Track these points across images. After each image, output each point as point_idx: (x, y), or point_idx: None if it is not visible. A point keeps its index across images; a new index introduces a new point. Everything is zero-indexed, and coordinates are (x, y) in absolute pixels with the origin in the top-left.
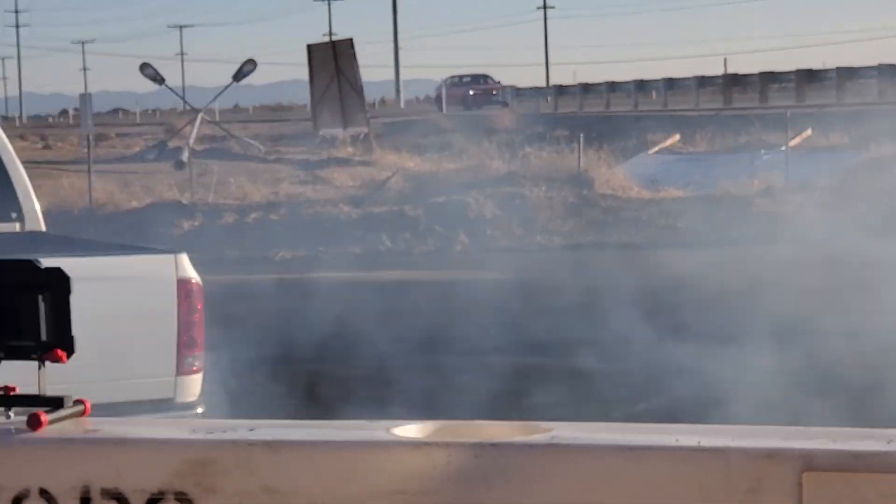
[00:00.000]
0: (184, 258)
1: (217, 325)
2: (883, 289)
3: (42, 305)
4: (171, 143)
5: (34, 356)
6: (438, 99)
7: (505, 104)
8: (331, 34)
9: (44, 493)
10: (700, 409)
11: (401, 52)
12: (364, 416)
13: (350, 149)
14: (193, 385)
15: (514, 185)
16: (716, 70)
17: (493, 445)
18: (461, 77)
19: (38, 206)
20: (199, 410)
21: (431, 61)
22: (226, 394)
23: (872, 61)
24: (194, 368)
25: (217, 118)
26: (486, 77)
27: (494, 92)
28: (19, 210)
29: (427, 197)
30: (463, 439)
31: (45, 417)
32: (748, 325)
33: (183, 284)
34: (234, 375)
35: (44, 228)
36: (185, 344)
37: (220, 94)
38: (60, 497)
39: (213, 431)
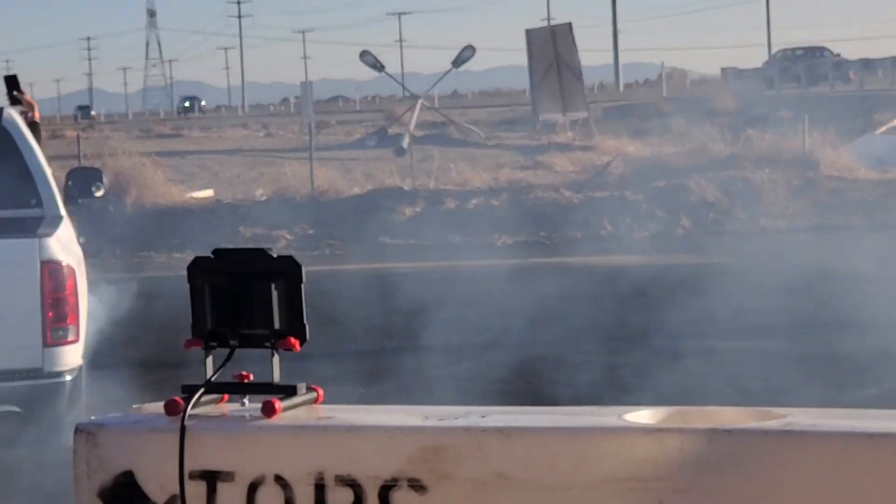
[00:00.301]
0: (50, 241)
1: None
2: None
3: (275, 294)
4: (391, 130)
5: (267, 344)
6: (766, 76)
7: (847, 79)
8: (549, 18)
9: (279, 479)
10: None
11: (620, 36)
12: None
13: (570, 134)
14: (64, 356)
15: (736, 168)
16: None
17: (727, 431)
18: (793, 50)
19: (56, 192)
20: (68, 378)
21: (651, 44)
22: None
23: None
24: (66, 340)
25: (436, 104)
26: (822, 49)
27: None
28: (38, 196)
29: (647, 181)
30: (696, 425)
31: (279, 405)
32: None
33: (46, 265)
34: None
35: (63, 214)
36: (52, 319)
37: (439, 80)
38: (295, 483)
39: (445, 418)
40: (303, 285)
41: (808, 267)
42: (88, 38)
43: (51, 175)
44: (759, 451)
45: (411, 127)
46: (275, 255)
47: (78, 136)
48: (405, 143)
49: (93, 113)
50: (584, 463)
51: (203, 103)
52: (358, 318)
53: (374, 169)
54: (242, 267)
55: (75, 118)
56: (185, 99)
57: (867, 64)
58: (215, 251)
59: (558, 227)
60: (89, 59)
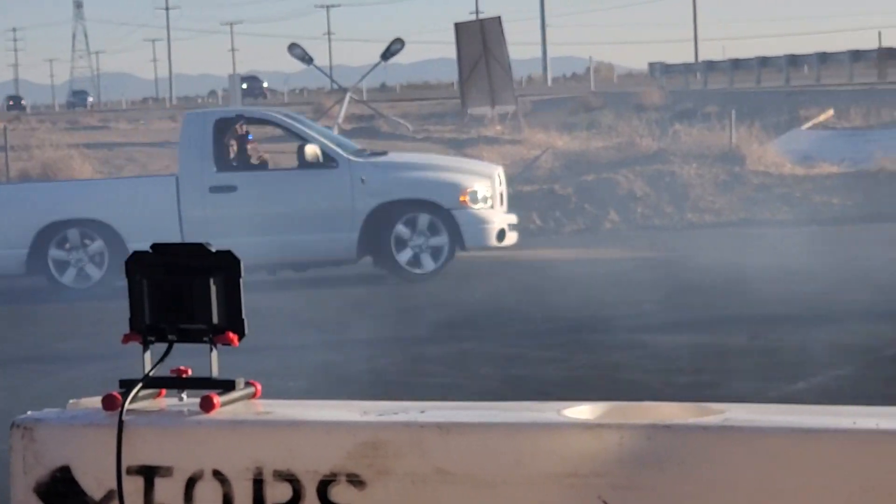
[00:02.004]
0: None
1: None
2: None
3: (213, 288)
4: (320, 123)
5: (206, 339)
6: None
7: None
8: (477, 12)
9: (217, 474)
10: (861, 388)
11: (548, 30)
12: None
13: (498, 127)
14: None
15: (663, 163)
16: (870, 44)
17: (666, 427)
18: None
19: None
20: None
21: (579, 38)
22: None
23: None
24: None
25: (365, 97)
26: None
27: None
28: None
29: (576, 175)
30: (635, 421)
31: (217, 400)
32: None
33: None
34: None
35: None
36: None
37: (367, 73)
38: (233, 478)
39: (385, 413)
40: (241, 280)
41: (735, 261)
42: (14, 29)
43: None
44: (697, 446)
45: (340, 120)
46: (213, 250)
47: (4, 128)
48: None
49: (24, 102)
50: (524, 458)
51: (90, 99)
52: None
53: None
54: (181, 261)
55: (7, 108)
56: (75, 93)
57: (792, 60)
58: (154, 245)
59: None
60: (15, 51)
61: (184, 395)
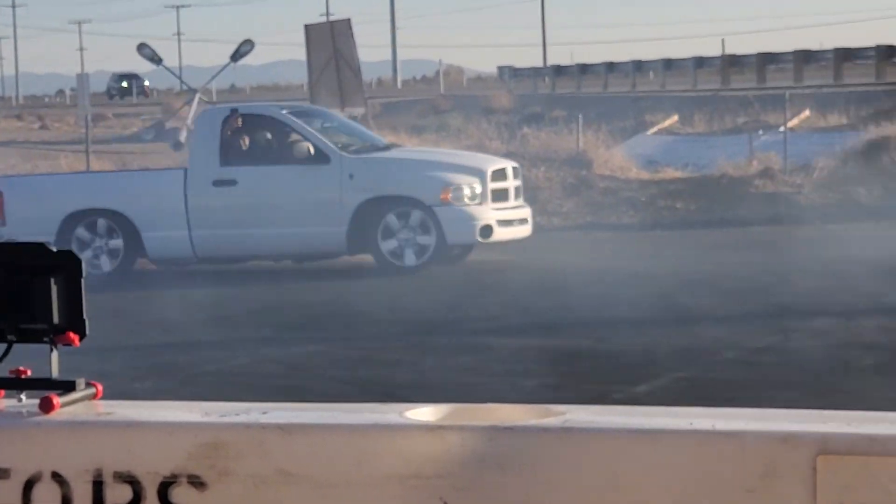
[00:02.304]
0: None
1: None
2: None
3: (54, 288)
4: (169, 124)
5: (46, 339)
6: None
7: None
8: (328, 14)
9: (56, 476)
10: (701, 390)
11: (398, 33)
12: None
13: None
14: None
15: None
16: (714, 51)
17: (507, 428)
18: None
19: None
20: None
21: (429, 41)
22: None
23: (870, 42)
24: None
25: (214, 98)
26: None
27: None
28: None
29: None
30: (476, 422)
31: (57, 400)
32: (741, 305)
33: None
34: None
35: None
36: None
37: (217, 74)
38: (73, 480)
39: (227, 415)
40: (83, 279)
41: (581, 265)
42: None
43: None
44: (538, 447)
45: (189, 121)
46: (54, 250)
47: None
48: (182, 136)
49: None
50: (366, 460)
51: None
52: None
53: (151, 163)
54: (21, 260)
55: None
56: None
57: (639, 66)
58: None
59: None
60: None
61: (23, 396)
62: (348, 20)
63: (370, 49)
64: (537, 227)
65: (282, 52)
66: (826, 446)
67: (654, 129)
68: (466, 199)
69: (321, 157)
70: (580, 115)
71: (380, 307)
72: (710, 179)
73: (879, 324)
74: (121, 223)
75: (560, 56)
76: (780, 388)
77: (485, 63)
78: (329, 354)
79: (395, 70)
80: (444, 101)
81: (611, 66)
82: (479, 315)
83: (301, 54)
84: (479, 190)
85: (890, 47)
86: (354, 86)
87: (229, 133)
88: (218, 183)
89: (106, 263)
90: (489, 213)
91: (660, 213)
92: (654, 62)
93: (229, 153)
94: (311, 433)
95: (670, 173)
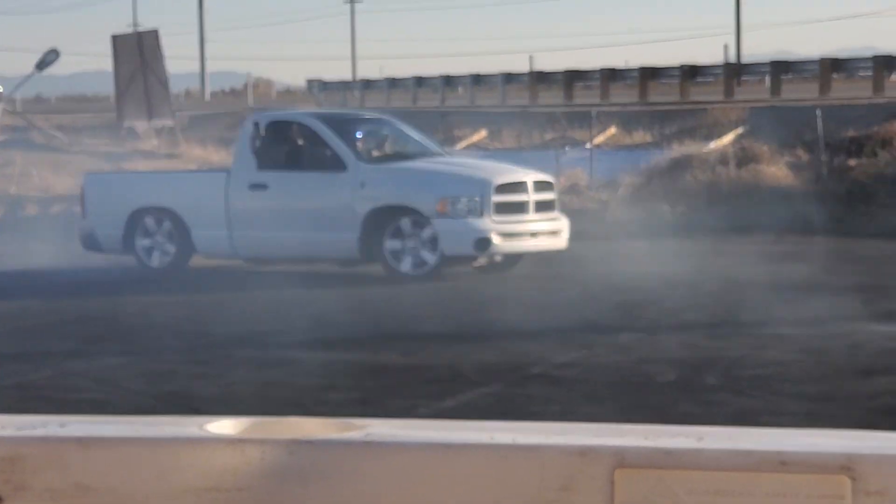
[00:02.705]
0: None
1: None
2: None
3: None
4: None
5: None
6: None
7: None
8: (135, 24)
9: None
10: (506, 405)
11: (206, 45)
12: None
13: (155, 141)
14: None
15: None
16: (522, 67)
17: (308, 442)
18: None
19: None
20: None
21: (238, 53)
22: None
23: (674, 61)
24: None
25: (19, 108)
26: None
27: None
28: None
29: None
30: (277, 436)
31: None
32: (547, 321)
33: None
34: None
35: None
36: None
37: (21, 83)
38: None
39: (23, 428)
40: None
41: (391, 280)
42: None
43: None
44: (340, 461)
45: None
46: None
47: None
48: None
49: None
50: (165, 473)
51: None
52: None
53: None
54: None
55: None
56: None
57: (448, 81)
58: None
59: None
60: None
61: None
62: (156, 31)
63: (179, 61)
64: None
65: (90, 62)
66: (623, 460)
67: (463, 143)
68: (463, 211)
69: (339, 164)
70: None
71: (182, 320)
72: None
73: (680, 339)
74: (174, 220)
75: (370, 69)
76: (583, 402)
77: (294, 76)
78: (134, 367)
79: (203, 82)
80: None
81: (420, 81)
82: (286, 328)
83: (109, 65)
84: (478, 202)
85: (693, 67)
86: (162, 97)
87: (267, 138)
88: (253, 186)
89: (157, 258)
90: (488, 226)
91: None
92: (463, 77)
93: (265, 158)
94: (110, 446)
95: None
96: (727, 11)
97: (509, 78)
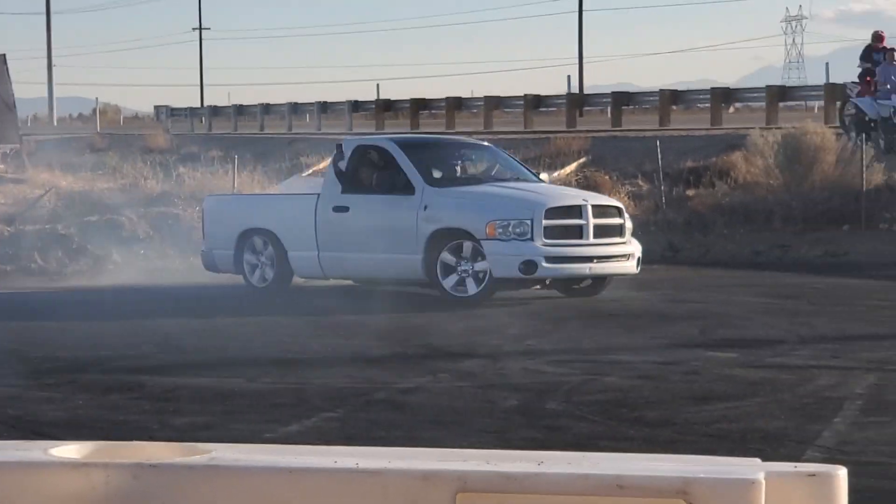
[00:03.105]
0: None
1: None
2: None
3: None
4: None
5: None
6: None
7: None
8: None
9: None
10: (350, 429)
11: (54, 70)
12: None
13: (1, 165)
14: None
15: (167, 205)
16: (369, 95)
17: (152, 466)
18: None
19: None
20: None
21: (86, 79)
22: None
23: (519, 91)
24: None
25: None
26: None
27: None
28: None
29: (80, 215)
30: (122, 460)
31: None
32: (388, 348)
33: None
34: None
35: None
36: None
37: None
38: None
39: None
40: None
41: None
42: None
43: None
44: (183, 485)
45: None
46: None
47: None
48: None
49: None
50: (11, 498)
51: None
52: None
53: None
54: None
55: None
56: None
57: (295, 108)
58: None
59: None
60: None
61: None
62: (3, 55)
63: (26, 86)
64: (190, 267)
65: None
66: (465, 484)
67: (310, 170)
68: (511, 234)
69: (408, 187)
70: (236, 156)
71: (25, 344)
72: None
73: (523, 366)
74: (274, 242)
75: (218, 97)
76: (427, 427)
77: (142, 102)
78: None
79: (51, 107)
80: (101, 140)
81: (267, 108)
82: (130, 353)
83: None
84: (528, 225)
85: (536, 97)
86: (9, 122)
87: (351, 162)
88: (337, 209)
89: (260, 279)
90: (536, 249)
91: None
92: (310, 105)
93: (347, 181)
94: None
95: None
96: (570, 43)
97: (356, 105)
